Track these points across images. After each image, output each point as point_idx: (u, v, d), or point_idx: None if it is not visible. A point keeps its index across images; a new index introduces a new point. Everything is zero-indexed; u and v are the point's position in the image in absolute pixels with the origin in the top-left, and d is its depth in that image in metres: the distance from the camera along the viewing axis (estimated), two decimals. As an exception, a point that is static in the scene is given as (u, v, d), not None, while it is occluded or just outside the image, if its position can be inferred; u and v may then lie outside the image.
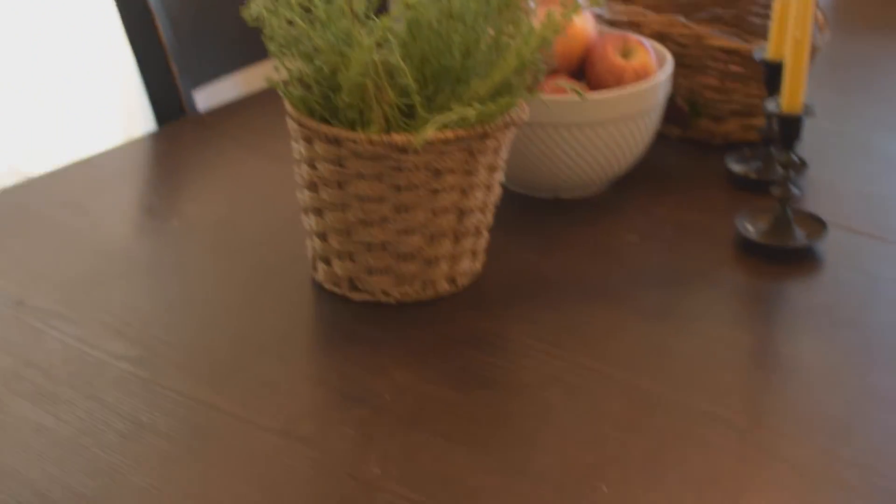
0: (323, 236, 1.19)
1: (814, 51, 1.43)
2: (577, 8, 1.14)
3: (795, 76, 1.27)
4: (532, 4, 1.20)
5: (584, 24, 1.40)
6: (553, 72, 1.33)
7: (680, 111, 1.54)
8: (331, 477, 0.98)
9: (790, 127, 1.29)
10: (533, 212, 1.39)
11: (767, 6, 1.67)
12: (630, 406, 1.08)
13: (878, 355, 1.17)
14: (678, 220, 1.39)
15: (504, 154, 1.21)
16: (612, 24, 1.51)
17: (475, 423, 1.06)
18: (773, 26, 1.40)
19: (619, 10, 1.52)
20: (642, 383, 1.11)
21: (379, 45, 1.10)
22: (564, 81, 1.25)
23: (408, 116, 1.13)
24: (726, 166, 1.49)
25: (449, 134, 1.12)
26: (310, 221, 1.20)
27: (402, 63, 1.08)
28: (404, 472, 0.99)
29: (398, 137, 1.11)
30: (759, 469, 1.01)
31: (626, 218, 1.40)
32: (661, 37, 1.48)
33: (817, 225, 1.34)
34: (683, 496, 0.98)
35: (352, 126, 1.12)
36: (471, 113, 1.11)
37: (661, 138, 1.51)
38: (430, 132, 1.08)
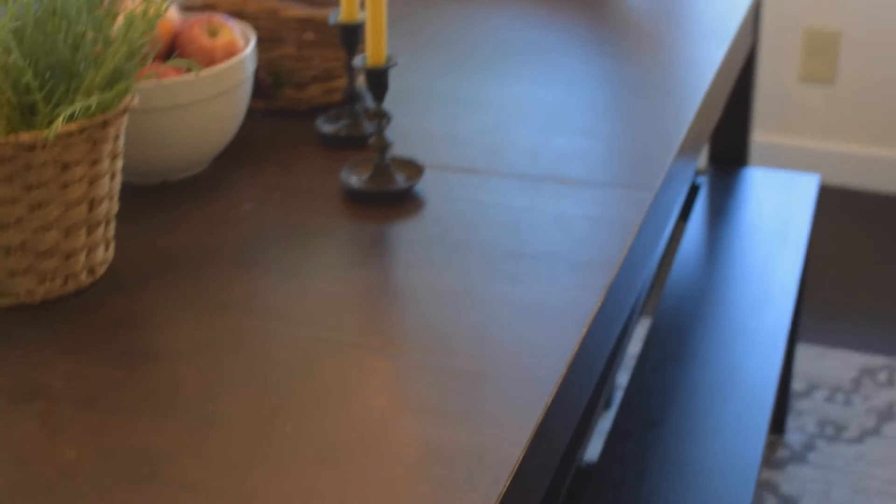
0: (-42, 247, 1.20)
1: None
2: (174, -10, 1.19)
3: (376, 31, 1.37)
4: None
5: (168, 10, 1.46)
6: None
7: (264, 84, 1.62)
8: (29, 469, 1.00)
9: (378, 79, 1.39)
10: (146, 198, 1.43)
11: (324, -23, 1.77)
12: (290, 352, 1.15)
13: (494, 268, 1.28)
14: (285, 184, 1.47)
15: (122, 141, 1.25)
16: (187, 8, 1.57)
17: (150, 393, 1.10)
18: (343, -10, 1.50)
19: (192, -5, 1.58)
20: (293, 331, 1.19)
21: (-6, 47, 1.11)
22: (173, 62, 1.30)
23: (30, 114, 1.15)
24: (316, 129, 1.57)
25: (73, 126, 1.15)
26: (-59, 235, 1.20)
27: (22, 62, 1.10)
28: (98, 450, 1.02)
29: (26, 136, 1.13)
30: (417, 382, 1.11)
31: (236, 190, 1.46)
32: (237, 15, 1.56)
33: (414, 167, 1.45)
34: (364, 419, 1.06)
35: (-26, 132, 1.14)
36: (93, 103, 1.14)
37: (248, 112, 1.58)
38: (59, 125, 1.11)
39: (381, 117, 1.42)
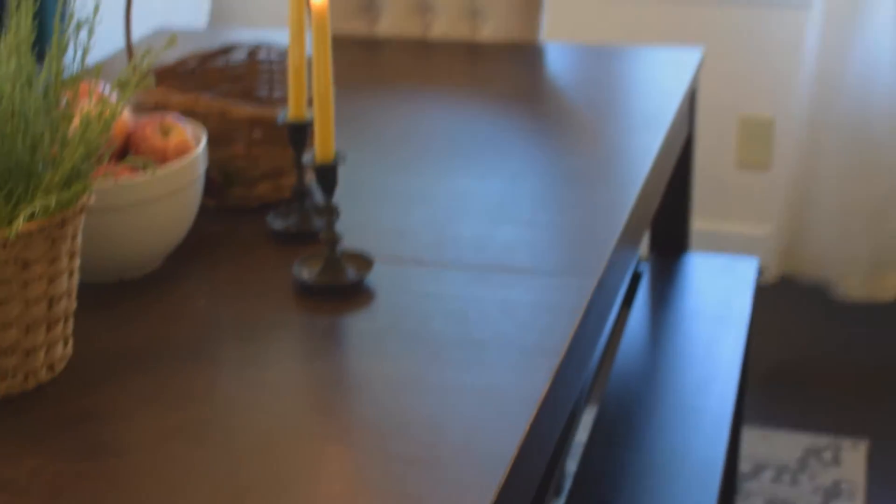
0: (-81, 346, 1.22)
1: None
2: (130, 91, 1.23)
3: (324, 128, 1.41)
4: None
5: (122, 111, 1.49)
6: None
7: (214, 182, 1.65)
8: (-6, 561, 1.03)
9: (327, 175, 1.43)
10: (103, 296, 1.46)
11: (271, 79, 1.82)
12: (249, 442, 1.18)
13: (445, 356, 1.32)
14: (237, 279, 1.50)
15: (79, 239, 1.28)
16: (139, 108, 1.61)
17: (114, 485, 1.12)
18: (291, 91, 1.54)
19: (144, 94, 1.61)
20: (250, 421, 1.22)
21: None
22: (129, 161, 1.33)
23: (-13, 215, 1.18)
24: (267, 225, 1.61)
25: (33, 225, 1.18)
26: None
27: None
28: (62, 541, 1.05)
29: (-14, 235, 1.16)
30: (373, 467, 1.14)
31: (190, 286, 1.49)
32: (188, 114, 1.59)
33: (364, 261, 1.49)
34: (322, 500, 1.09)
35: (-65, 233, 1.17)
36: (51, 202, 1.18)
37: (200, 210, 1.61)
38: (20, 224, 1.14)
39: (331, 212, 1.46)
